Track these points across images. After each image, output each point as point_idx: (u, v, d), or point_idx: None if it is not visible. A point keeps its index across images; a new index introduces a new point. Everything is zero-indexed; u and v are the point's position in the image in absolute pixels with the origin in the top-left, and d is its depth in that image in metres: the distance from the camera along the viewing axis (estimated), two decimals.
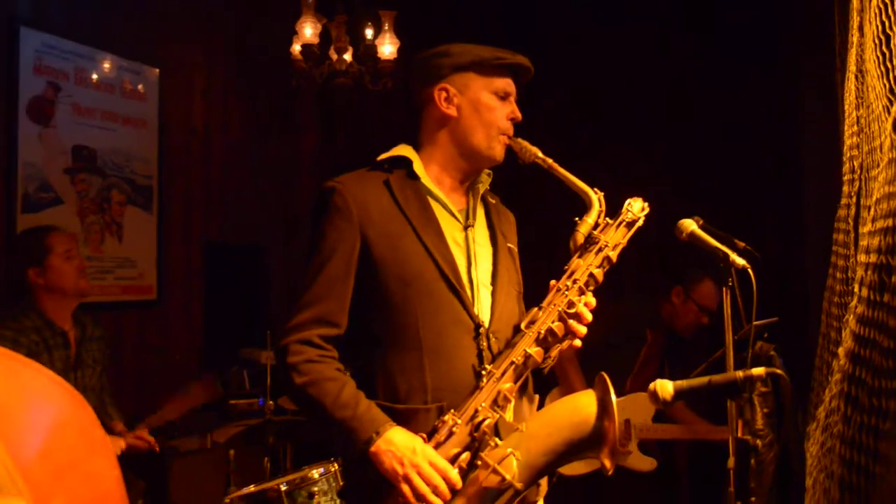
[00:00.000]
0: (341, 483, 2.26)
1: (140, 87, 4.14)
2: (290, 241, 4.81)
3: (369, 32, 3.99)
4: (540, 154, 1.83)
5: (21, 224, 3.46)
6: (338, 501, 2.24)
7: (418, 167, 1.82)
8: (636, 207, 1.84)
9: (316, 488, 2.13)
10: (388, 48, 3.98)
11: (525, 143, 1.85)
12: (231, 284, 4.60)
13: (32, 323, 2.68)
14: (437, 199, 1.82)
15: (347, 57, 3.99)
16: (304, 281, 1.74)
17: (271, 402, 3.22)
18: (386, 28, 4.00)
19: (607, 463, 1.63)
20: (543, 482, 1.84)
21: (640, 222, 1.84)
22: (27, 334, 2.65)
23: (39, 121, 3.63)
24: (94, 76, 3.91)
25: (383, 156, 1.85)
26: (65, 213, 3.71)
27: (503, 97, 1.84)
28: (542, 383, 1.95)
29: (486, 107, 1.82)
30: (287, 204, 4.91)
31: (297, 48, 3.92)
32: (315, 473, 2.13)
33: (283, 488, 2.12)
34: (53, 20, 3.69)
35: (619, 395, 1.63)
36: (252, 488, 2.18)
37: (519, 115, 1.86)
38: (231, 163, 4.69)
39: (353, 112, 5.08)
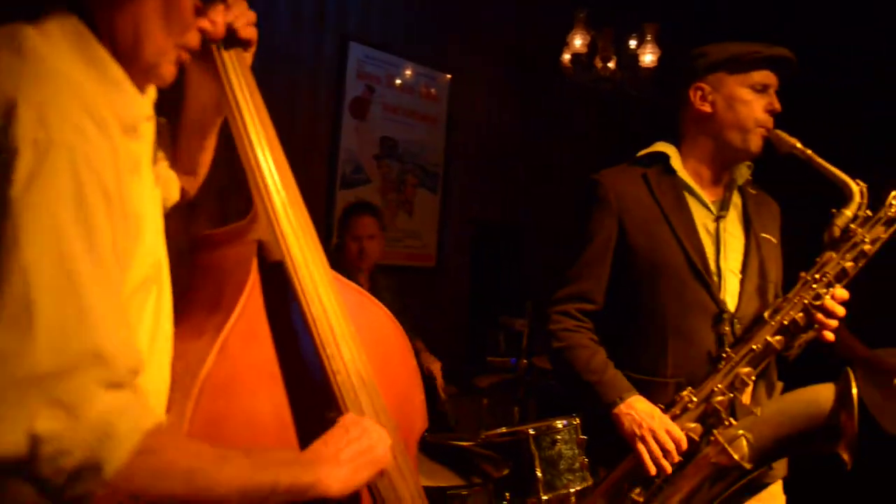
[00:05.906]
0: (581, 436, 2.30)
1: (433, 90, 4.41)
2: (546, 223, 4.90)
3: (633, 43, 3.97)
4: (798, 144, 1.66)
5: (339, 198, 3.86)
6: (577, 450, 2.30)
7: (675, 162, 1.78)
8: None
9: (559, 436, 2.21)
10: (648, 56, 3.94)
11: (783, 135, 1.69)
12: (494, 259, 4.76)
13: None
14: (691, 192, 1.77)
15: (611, 65, 4.00)
16: (570, 261, 1.80)
17: (524, 361, 3.34)
18: (648, 38, 3.95)
19: (845, 457, 1.52)
20: (781, 468, 1.76)
21: None
22: None
23: (357, 116, 3.99)
24: (399, 81, 4.22)
25: (642, 152, 1.84)
26: (371, 190, 4.07)
27: (760, 90, 1.71)
28: (793, 370, 1.81)
29: (741, 101, 1.71)
30: (545, 190, 5.00)
31: (566, 57, 4.00)
32: (559, 424, 2.20)
33: (532, 432, 2.23)
34: (373, 36, 4.05)
35: None
36: (504, 430, 2.31)
37: (778, 106, 1.72)
38: (503, 155, 4.85)
39: (613, 112, 5.05)
